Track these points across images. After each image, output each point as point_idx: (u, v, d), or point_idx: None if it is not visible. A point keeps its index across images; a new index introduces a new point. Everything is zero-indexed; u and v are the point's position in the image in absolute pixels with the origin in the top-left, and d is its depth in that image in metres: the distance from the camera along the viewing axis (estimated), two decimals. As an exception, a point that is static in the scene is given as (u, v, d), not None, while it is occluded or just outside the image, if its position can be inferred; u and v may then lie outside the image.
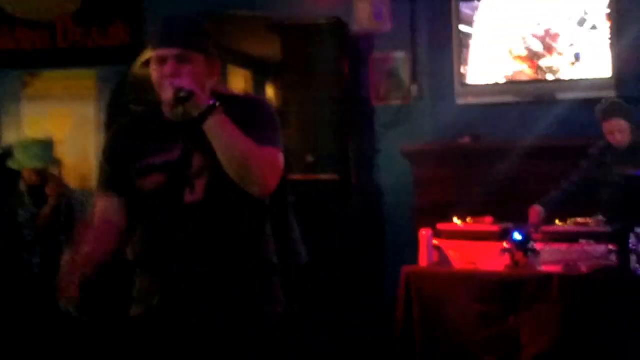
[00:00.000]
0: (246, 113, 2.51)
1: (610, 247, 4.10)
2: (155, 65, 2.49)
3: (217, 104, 2.40)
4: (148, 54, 2.60)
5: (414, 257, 4.81)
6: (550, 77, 5.38)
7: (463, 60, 5.46)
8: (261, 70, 7.19)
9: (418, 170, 5.47)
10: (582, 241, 4.24)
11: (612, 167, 4.65)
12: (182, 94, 2.38)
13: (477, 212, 4.85)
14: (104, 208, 2.56)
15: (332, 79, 5.56)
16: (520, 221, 4.60)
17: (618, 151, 4.65)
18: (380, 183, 5.79)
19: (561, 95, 5.36)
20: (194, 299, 2.46)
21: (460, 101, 5.51)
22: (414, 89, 5.70)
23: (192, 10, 4.88)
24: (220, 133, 2.40)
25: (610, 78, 5.23)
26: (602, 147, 4.74)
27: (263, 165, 2.43)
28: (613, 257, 4.07)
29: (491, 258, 4.37)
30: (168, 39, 2.48)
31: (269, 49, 5.91)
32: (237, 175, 2.41)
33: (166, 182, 2.49)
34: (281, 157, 2.50)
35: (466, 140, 5.43)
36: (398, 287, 4.61)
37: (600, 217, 4.46)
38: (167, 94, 2.42)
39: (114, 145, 2.63)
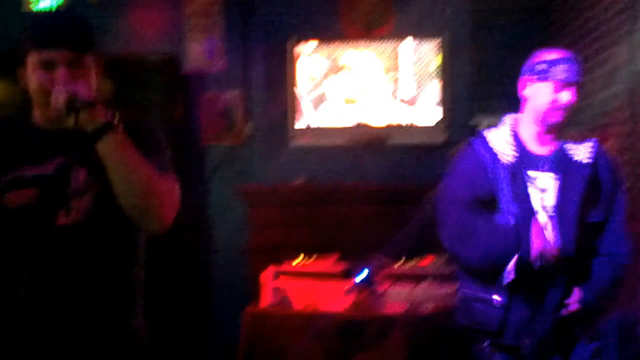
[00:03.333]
0: (139, 133, 2.15)
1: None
2: (37, 70, 2.09)
3: (117, 119, 2.05)
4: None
5: (246, 298, 4.75)
6: (382, 122, 5.46)
7: (297, 102, 5.45)
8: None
9: (252, 211, 5.35)
10: (427, 281, 4.29)
11: None
12: (77, 104, 2.01)
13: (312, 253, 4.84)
14: None
15: (164, 117, 5.36)
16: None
17: None
18: (211, 224, 5.65)
19: (392, 141, 5.45)
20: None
21: (294, 143, 5.49)
22: (247, 129, 5.62)
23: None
24: (119, 155, 2.04)
25: (440, 123, 5.38)
26: None
27: (165, 197, 2.12)
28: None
29: (333, 298, 4.33)
30: (57, 39, 2.08)
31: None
32: (133, 208, 2.08)
33: (37, 200, 2.10)
34: (178, 189, 2.19)
35: (300, 181, 5.40)
36: (230, 329, 4.54)
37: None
38: (57, 102, 2.02)
39: None
